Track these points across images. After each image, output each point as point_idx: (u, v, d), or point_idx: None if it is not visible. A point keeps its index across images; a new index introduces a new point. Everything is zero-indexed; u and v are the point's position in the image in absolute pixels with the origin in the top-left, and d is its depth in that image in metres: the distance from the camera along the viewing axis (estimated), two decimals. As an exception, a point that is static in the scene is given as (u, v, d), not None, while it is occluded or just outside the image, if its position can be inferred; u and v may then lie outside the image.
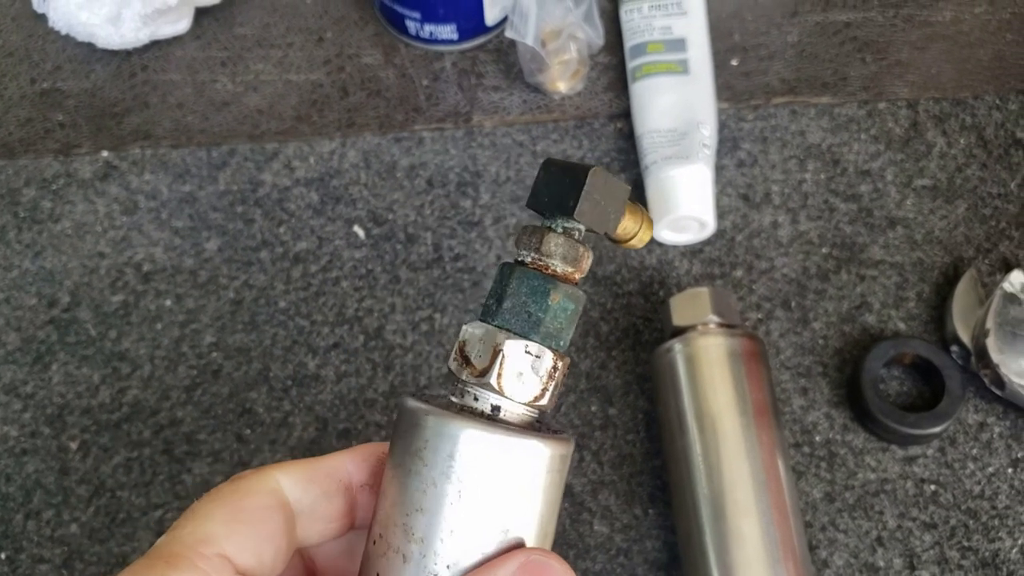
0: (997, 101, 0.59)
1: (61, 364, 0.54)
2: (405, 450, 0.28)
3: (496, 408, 0.28)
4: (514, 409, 0.28)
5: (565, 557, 0.48)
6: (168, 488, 0.51)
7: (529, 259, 0.29)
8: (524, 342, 0.28)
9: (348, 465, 0.30)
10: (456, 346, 0.29)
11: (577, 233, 0.29)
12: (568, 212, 0.28)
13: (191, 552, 0.26)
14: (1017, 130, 0.58)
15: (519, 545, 0.28)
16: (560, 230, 0.29)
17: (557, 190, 0.28)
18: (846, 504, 0.49)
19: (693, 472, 0.46)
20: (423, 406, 0.28)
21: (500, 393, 0.28)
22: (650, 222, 0.29)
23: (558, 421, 0.51)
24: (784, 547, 0.44)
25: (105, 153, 0.60)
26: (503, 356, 0.28)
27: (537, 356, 0.28)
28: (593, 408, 0.52)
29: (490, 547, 0.27)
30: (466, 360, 0.28)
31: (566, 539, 0.49)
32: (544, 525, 0.29)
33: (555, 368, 0.28)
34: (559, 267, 0.28)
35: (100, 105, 0.61)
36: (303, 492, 0.29)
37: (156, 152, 0.59)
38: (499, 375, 0.28)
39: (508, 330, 0.28)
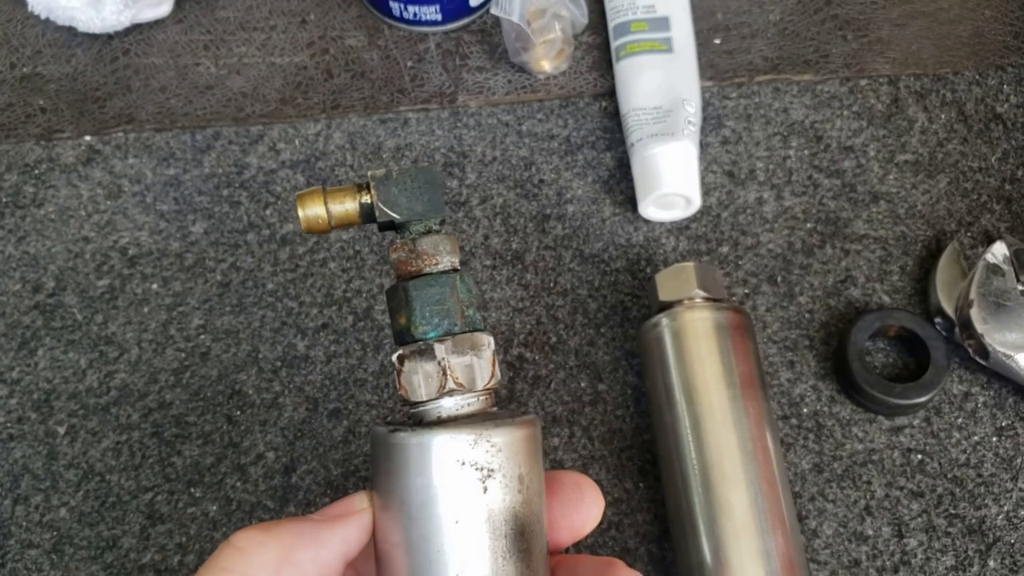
0: (977, 76, 0.60)
1: (47, 349, 0.53)
2: (393, 478, 0.29)
3: (458, 411, 0.29)
4: (475, 400, 0.29)
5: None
6: (158, 471, 0.50)
7: (413, 269, 0.30)
8: (454, 339, 0.29)
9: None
10: (397, 380, 0.30)
11: (433, 224, 0.31)
12: (420, 216, 0.30)
13: None
14: (997, 105, 0.59)
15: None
16: (414, 233, 0.30)
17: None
18: (834, 474, 0.49)
19: (681, 445, 0.46)
20: (407, 433, 0.28)
21: (461, 391, 0.29)
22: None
23: (548, 399, 0.52)
24: (773, 517, 0.44)
25: (88, 137, 0.59)
26: (446, 361, 0.29)
27: (472, 345, 0.29)
28: (583, 384, 0.52)
29: (488, 544, 0.28)
30: (413, 386, 0.29)
31: (557, 514, 0.49)
32: (537, 504, 0.29)
33: (490, 346, 0.30)
34: (436, 261, 0.30)
35: (82, 89, 0.61)
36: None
37: (140, 136, 0.59)
38: (455, 378, 0.29)
39: (435, 339, 0.29)
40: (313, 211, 0.30)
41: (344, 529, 0.29)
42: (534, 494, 0.29)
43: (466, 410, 0.29)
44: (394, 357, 0.30)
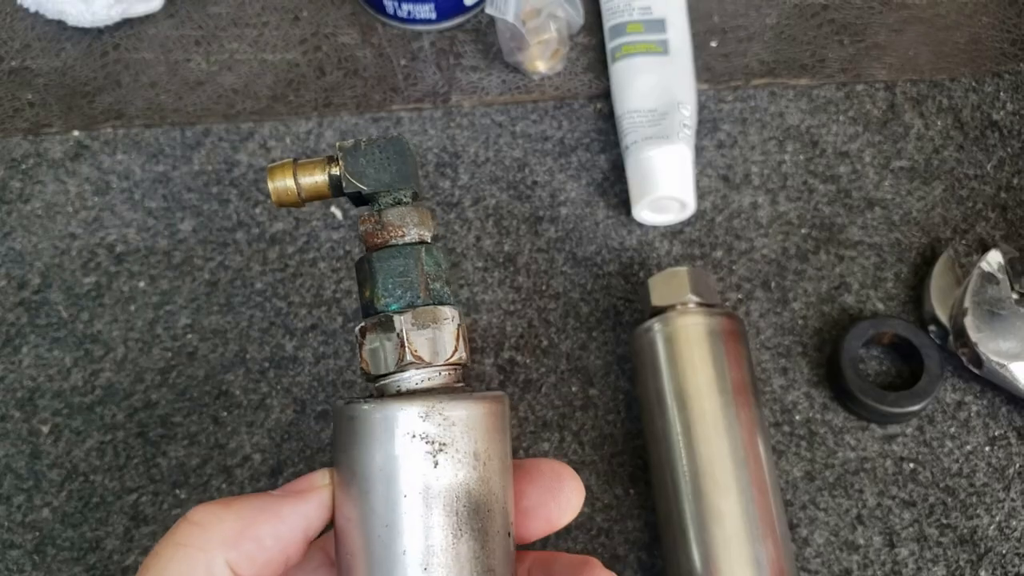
0: (973, 83, 0.59)
1: (31, 347, 0.53)
2: (348, 451, 0.28)
3: (418, 384, 0.29)
4: (436, 374, 0.29)
5: (546, 539, 0.48)
6: (143, 471, 0.50)
7: (379, 241, 0.30)
8: (415, 311, 0.29)
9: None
10: (359, 354, 0.29)
11: (403, 196, 0.30)
12: (388, 187, 0.30)
13: None
14: (993, 112, 0.59)
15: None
16: (382, 205, 0.30)
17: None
18: (826, 483, 0.49)
19: (672, 451, 0.46)
20: (360, 405, 0.28)
21: (420, 364, 0.28)
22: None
23: (539, 403, 0.51)
24: (764, 525, 0.44)
25: (76, 133, 0.58)
26: (405, 334, 0.28)
27: (434, 318, 0.29)
28: (574, 389, 0.51)
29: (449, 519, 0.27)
30: (373, 360, 0.29)
31: (547, 520, 0.48)
32: (502, 488, 0.29)
33: (454, 320, 0.29)
34: (402, 233, 0.30)
35: (71, 84, 0.60)
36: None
37: (129, 132, 0.58)
38: (413, 351, 0.28)
39: (396, 312, 0.29)
40: (283, 183, 0.30)
41: (305, 505, 0.28)
42: (493, 472, 0.28)
43: (427, 384, 0.29)
44: (356, 329, 0.29)
